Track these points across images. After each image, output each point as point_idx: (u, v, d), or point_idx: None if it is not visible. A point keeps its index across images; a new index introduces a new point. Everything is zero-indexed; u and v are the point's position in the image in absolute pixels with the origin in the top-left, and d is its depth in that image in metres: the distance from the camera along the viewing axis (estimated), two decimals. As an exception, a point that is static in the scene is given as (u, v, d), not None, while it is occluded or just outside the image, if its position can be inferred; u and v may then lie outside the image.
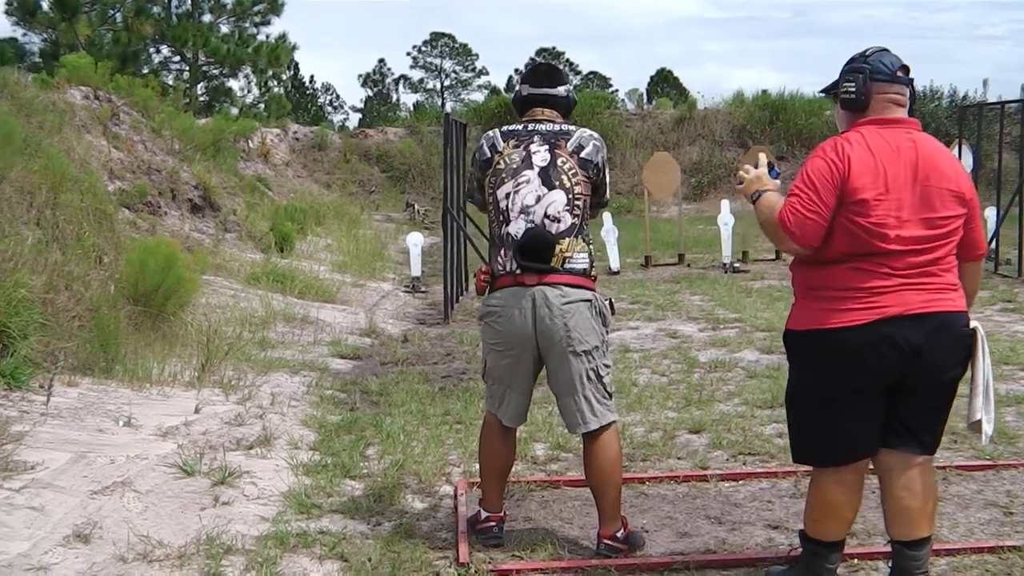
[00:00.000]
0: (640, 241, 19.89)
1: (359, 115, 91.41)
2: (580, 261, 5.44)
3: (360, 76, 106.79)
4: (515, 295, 5.42)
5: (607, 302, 5.60)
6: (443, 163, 14.68)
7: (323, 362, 10.32)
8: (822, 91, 5.01)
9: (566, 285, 5.38)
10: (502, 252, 5.50)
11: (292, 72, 74.75)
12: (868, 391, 4.65)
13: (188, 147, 19.85)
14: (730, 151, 33.74)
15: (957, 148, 18.70)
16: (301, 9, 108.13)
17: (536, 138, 5.53)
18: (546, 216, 5.39)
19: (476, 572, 5.27)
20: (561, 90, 5.72)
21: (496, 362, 5.62)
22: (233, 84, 41.31)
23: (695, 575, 5.26)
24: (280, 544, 5.50)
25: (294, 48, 40.45)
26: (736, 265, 17.83)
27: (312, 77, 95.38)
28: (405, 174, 33.62)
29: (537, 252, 5.37)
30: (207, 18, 39.23)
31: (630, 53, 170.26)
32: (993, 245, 16.87)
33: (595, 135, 5.63)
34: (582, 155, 5.51)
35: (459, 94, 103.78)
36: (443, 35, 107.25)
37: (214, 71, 40.09)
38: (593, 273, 5.54)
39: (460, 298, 14.90)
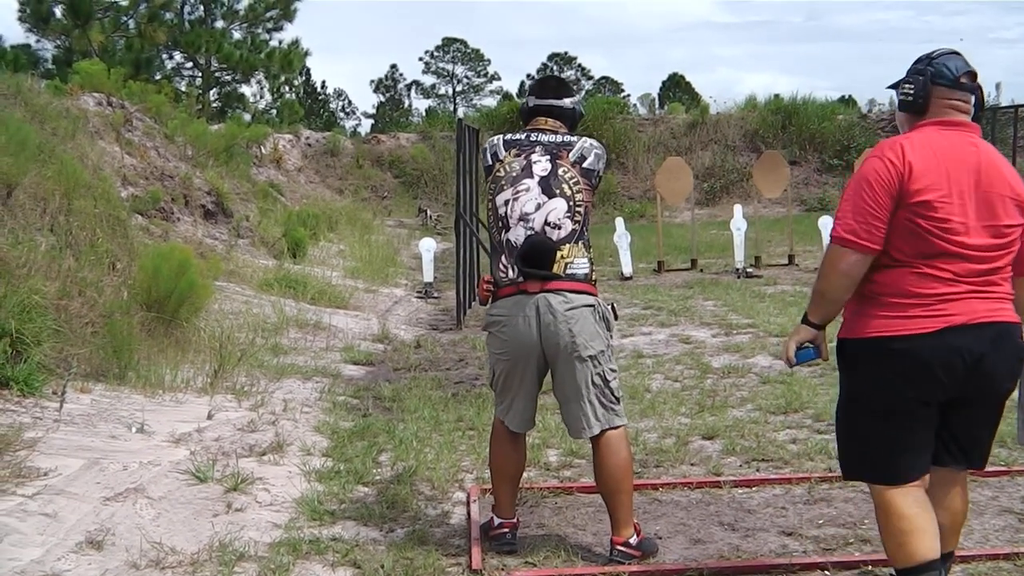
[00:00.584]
0: (653, 246, 19.86)
1: (371, 121, 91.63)
2: (581, 267, 5.46)
3: (372, 82, 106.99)
4: (519, 303, 5.44)
5: (610, 307, 5.60)
6: (455, 169, 14.68)
7: (335, 368, 10.32)
8: (889, 86, 4.83)
9: (569, 291, 5.40)
10: (503, 259, 5.53)
11: (304, 78, 75.04)
12: (931, 403, 4.44)
13: (201, 153, 19.90)
14: (743, 156, 33.70)
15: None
16: (313, 15, 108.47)
17: (538, 148, 5.57)
18: (546, 223, 5.41)
19: (489, 579, 5.27)
20: (567, 102, 5.75)
21: (503, 370, 5.63)
22: (246, 90, 41.46)
23: (708, 582, 5.24)
24: (293, 551, 5.51)
25: (306, 54, 40.50)
26: (749, 270, 17.78)
27: (324, 83, 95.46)
28: (417, 180, 33.63)
29: (538, 259, 5.39)
30: (220, 24, 39.29)
31: (642, 58, 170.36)
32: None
33: (596, 144, 5.65)
34: (584, 165, 5.54)
35: (471, 99, 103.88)
36: (455, 40, 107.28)
37: (227, 77, 40.18)
38: (594, 278, 5.55)
39: (473, 303, 14.87)
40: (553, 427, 7.91)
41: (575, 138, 5.65)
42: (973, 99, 4.62)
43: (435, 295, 16.31)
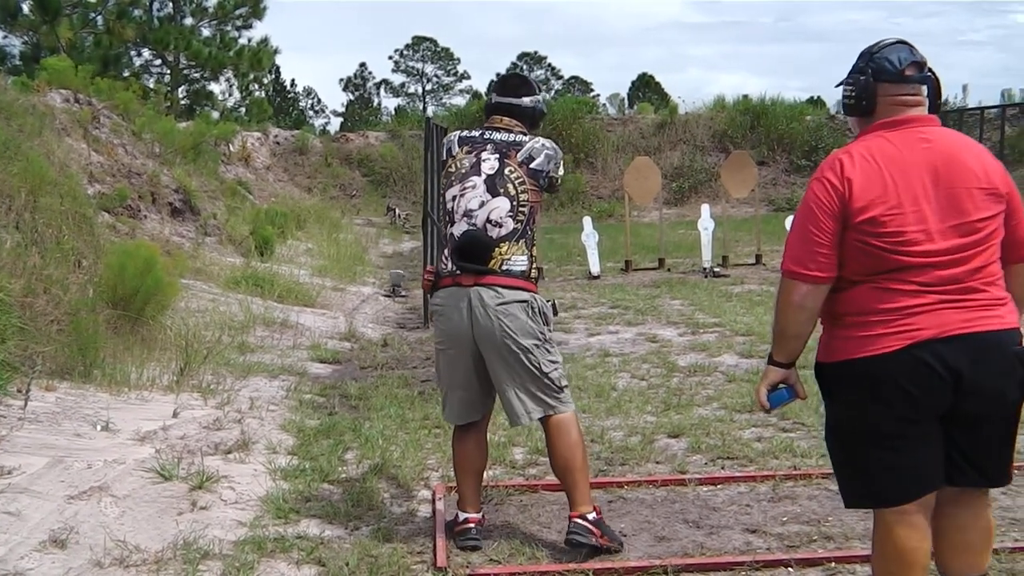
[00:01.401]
0: (621, 246, 19.89)
1: (340, 119, 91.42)
2: (519, 263, 5.54)
3: (342, 80, 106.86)
4: (454, 295, 5.56)
5: (550, 303, 5.68)
6: (424, 167, 14.67)
7: (302, 366, 10.31)
8: (837, 86, 4.43)
9: (502, 287, 5.49)
10: (445, 252, 5.67)
11: (274, 76, 74.86)
12: (919, 420, 4.06)
13: (169, 151, 19.84)
14: (711, 156, 33.86)
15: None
16: (283, 12, 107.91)
17: (489, 146, 5.66)
18: (488, 220, 5.51)
19: (453, 576, 5.28)
20: (526, 101, 5.81)
21: (443, 361, 5.80)
22: (214, 87, 41.25)
23: (672, 579, 5.26)
24: (258, 549, 5.50)
25: (276, 52, 40.34)
26: (716, 270, 17.84)
27: (293, 81, 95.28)
28: (386, 178, 33.61)
29: (474, 253, 5.49)
30: (189, 21, 39.12)
31: (613, 58, 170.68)
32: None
33: (549, 145, 5.71)
34: (532, 165, 5.61)
35: (441, 98, 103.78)
36: (425, 39, 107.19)
37: (195, 74, 40.01)
38: (534, 275, 5.63)
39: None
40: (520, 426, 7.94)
41: (527, 138, 5.71)
42: (925, 89, 4.24)
43: (403, 294, 16.29)
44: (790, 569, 5.35)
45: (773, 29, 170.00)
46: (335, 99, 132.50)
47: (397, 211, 30.01)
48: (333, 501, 6.33)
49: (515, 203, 5.53)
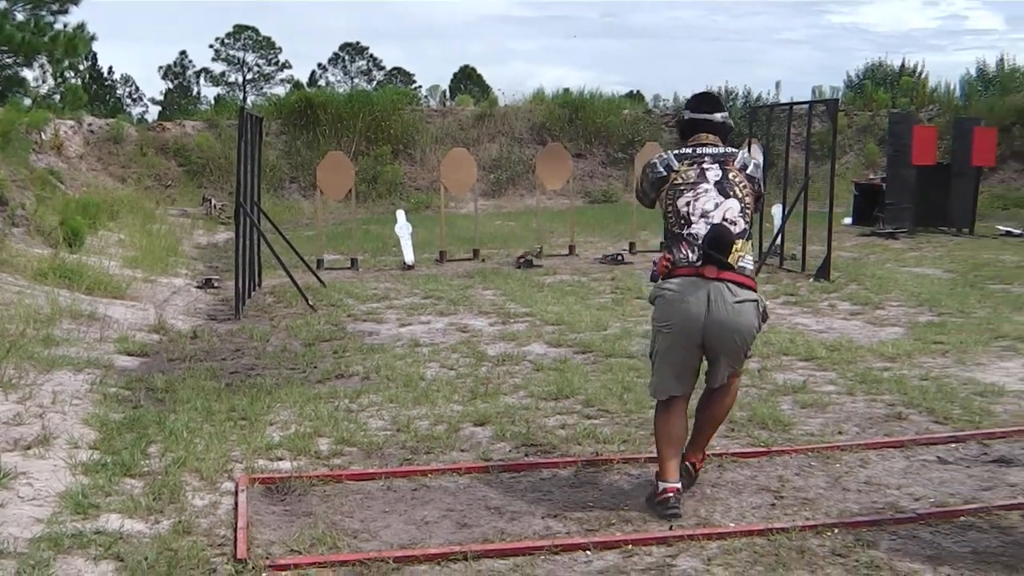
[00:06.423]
0: (437, 236, 19.94)
1: (159, 108, 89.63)
2: (749, 262, 6.19)
3: (161, 68, 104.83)
4: (694, 284, 6.09)
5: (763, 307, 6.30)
6: (237, 157, 14.50)
7: (109, 359, 10.13)
8: None
9: (738, 284, 6.08)
10: (683, 247, 6.18)
11: (90, 63, 73.06)
12: None
13: (-25, 139, 19.25)
14: (529, 148, 34.02)
15: (747, 146, 19.27)
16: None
17: (707, 159, 6.31)
18: (724, 219, 6.14)
19: (254, 568, 5.26)
20: (718, 116, 6.50)
21: (661, 341, 6.31)
22: (27, 74, 39.96)
23: (472, 565, 5.33)
24: (54, 546, 5.43)
25: (92, 38, 39.20)
26: (531, 259, 17.97)
27: (111, 68, 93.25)
28: (203, 168, 33.01)
29: (721, 246, 6.03)
30: (2, 5, 37.95)
31: (437, 50, 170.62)
32: (779, 241, 17.41)
33: (755, 157, 6.54)
34: (748, 171, 6.32)
35: (261, 88, 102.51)
36: (247, 28, 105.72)
37: (7, 60, 38.81)
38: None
39: (252, 294, 14.76)
40: (325, 416, 7.97)
41: (734, 149, 6.47)
42: None
43: (215, 285, 16.10)
44: (588, 552, 5.48)
45: (598, 24, 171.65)
46: (154, 87, 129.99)
47: (213, 201, 29.54)
48: (134, 495, 6.26)
49: (742, 204, 6.21)
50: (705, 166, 6.27)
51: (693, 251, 6.10)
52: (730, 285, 6.03)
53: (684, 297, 6.05)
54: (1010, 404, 8.48)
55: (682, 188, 6.25)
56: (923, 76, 40.43)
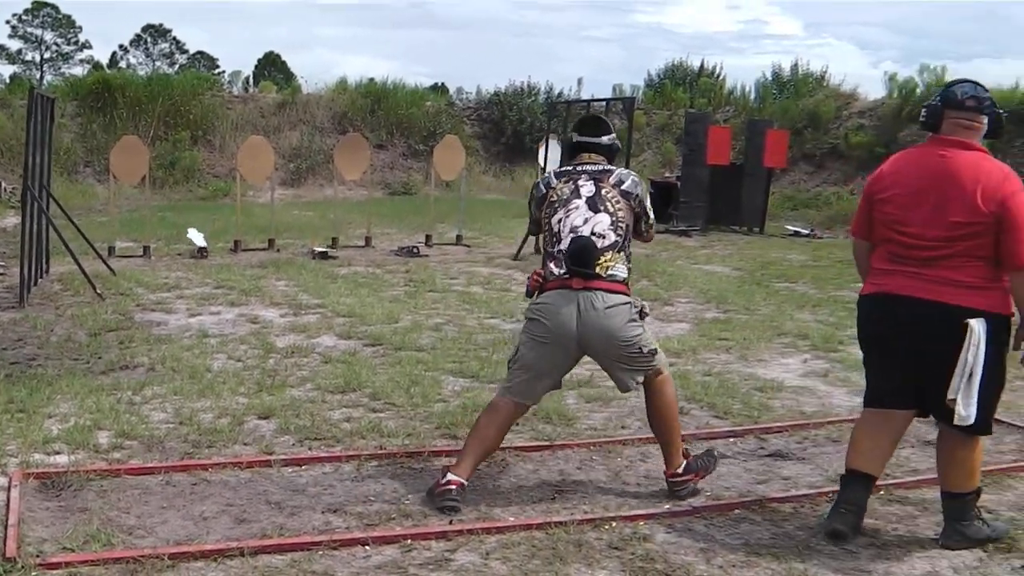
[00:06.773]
0: (232, 225, 19.67)
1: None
2: (620, 271, 6.31)
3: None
4: (563, 296, 6.24)
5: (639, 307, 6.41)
6: (26, 140, 14.08)
7: None
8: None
9: (607, 291, 6.21)
10: (552, 264, 6.36)
11: None
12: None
13: None
14: (330, 137, 33.73)
15: (545, 141, 19.55)
16: None
17: (583, 176, 6.49)
18: (593, 233, 6.27)
19: (23, 567, 5.11)
20: (604, 139, 6.70)
21: (532, 349, 6.38)
22: None
23: (249, 561, 5.28)
24: None
25: None
26: (325, 251, 17.87)
27: None
28: (-6, 149, 31.99)
29: (583, 259, 6.20)
30: None
31: (241, 33, 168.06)
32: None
33: (632, 173, 6.64)
34: (623, 187, 6.45)
35: (59, 67, 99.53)
36: (46, 4, 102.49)
37: None
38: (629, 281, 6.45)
39: (39, 281, 14.34)
40: (107, 409, 7.81)
41: (613, 167, 6.64)
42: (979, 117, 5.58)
43: (0, 271, 15.59)
44: (367, 547, 5.49)
45: (404, 14, 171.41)
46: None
47: (3, 184, 28.65)
48: None
49: (614, 218, 6.33)
50: (580, 182, 6.45)
51: (561, 266, 6.27)
52: (600, 293, 6.18)
53: (558, 309, 6.21)
54: (788, 399, 8.82)
55: (556, 205, 6.43)
56: (721, 78, 41.56)
